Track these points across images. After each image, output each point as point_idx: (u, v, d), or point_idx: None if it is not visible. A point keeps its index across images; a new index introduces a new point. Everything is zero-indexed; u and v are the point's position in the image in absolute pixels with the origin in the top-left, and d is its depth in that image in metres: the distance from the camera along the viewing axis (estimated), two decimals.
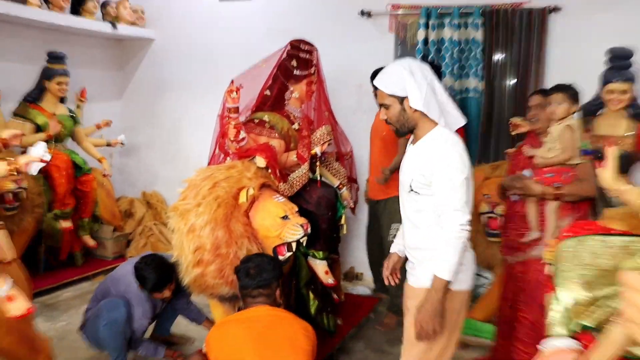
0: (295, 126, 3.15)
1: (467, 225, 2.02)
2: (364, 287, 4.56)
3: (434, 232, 2.09)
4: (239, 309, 2.72)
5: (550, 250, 2.21)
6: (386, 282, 2.40)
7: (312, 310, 3.24)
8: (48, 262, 4.48)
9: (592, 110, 3.28)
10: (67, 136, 4.55)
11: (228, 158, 3.09)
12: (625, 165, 3.09)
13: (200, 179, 2.74)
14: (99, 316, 2.93)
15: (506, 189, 2.91)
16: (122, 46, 5.65)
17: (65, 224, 4.41)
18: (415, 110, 2.08)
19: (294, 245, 2.76)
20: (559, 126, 2.66)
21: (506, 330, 2.93)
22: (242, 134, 2.92)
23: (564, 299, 1.66)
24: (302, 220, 2.76)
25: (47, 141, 4.21)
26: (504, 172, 3.25)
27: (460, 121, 2.18)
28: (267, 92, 3.17)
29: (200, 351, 3.05)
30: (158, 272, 2.93)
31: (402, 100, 2.09)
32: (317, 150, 3.08)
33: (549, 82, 3.86)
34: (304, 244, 2.85)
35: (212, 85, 5.09)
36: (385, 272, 2.37)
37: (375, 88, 2.20)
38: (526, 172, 2.81)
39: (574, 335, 1.68)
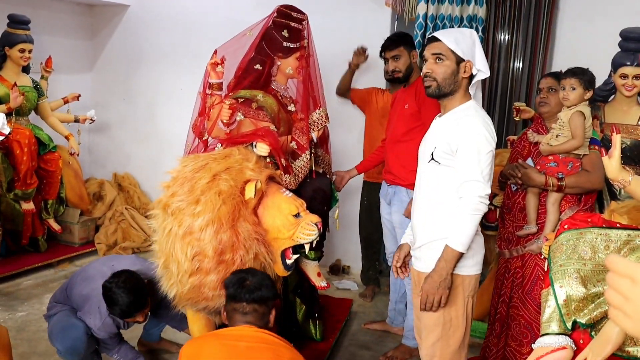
0: (292, 108, 2.92)
1: (486, 199, 2.11)
2: (351, 281, 4.51)
3: (447, 211, 2.17)
4: (219, 327, 2.54)
5: (549, 245, 2.19)
6: (395, 276, 2.52)
7: (300, 316, 3.19)
8: (8, 247, 4.37)
9: (603, 96, 3.24)
10: (30, 109, 4.43)
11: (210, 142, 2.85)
12: (635, 155, 3.07)
13: (191, 171, 2.42)
14: (55, 338, 2.76)
15: (506, 178, 2.86)
16: (94, 12, 5.50)
17: (27, 206, 4.30)
18: (465, 77, 2.19)
19: (307, 247, 2.53)
20: (569, 111, 2.60)
21: (499, 328, 2.92)
22: (239, 116, 2.66)
23: (559, 294, 1.66)
24: (316, 218, 2.51)
25: (7, 114, 4.17)
26: (505, 160, 3.19)
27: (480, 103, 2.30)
28: (258, 66, 2.86)
29: None
30: (130, 297, 2.57)
31: (459, 62, 2.18)
32: (313, 135, 2.91)
33: (557, 66, 3.81)
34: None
35: (192, 58, 5.03)
36: (396, 264, 2.47)
37: (431, 41, 2.24)
38: (528, 161, 2.76)
39: (568, 333, 1.68)
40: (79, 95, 4.89)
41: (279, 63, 2.91)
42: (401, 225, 3.21)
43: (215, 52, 2.74)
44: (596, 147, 2.65)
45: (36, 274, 4.34)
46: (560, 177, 2.61)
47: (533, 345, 1.80)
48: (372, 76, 4.28)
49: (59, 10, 5.14)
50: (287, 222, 2.47)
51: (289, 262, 2.53)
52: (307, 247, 2.53)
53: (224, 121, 2.61)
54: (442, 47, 2.18)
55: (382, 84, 4.23)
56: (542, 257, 2.27)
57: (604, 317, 1.60)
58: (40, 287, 4.15)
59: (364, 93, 4.14)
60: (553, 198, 2.66)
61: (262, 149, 2.61)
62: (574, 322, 1.67)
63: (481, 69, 2.19)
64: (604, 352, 1.49)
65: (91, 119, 4.88)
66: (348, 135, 4.53)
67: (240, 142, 2.66)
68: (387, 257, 3.63)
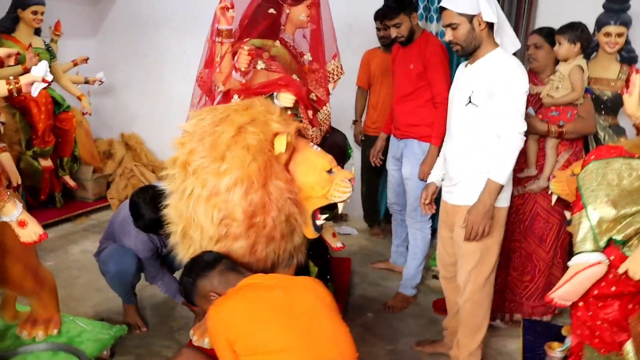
0: (308, 57, 2.65)
1: (523, 135, 2.28)
2: (350, 227, 4.71)
3: (484, 149, 2.33)
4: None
5: (557, 181, 2.38)
6: (424, 212, 2.69)
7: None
8: (27, 203, 4.41)
9: (586, 53, 3.41)
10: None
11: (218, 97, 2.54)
12: (614, 106, 3.28)
13: (210, 124, 2.10)
14: (107, 263, 2.84)
15: None
16: None
17: (45, 163, 4.35)
18: (483, 29, 2.29)
19: (340, 206, 2.28)
20: (568, 65, 2.79)
21: (502, 260, 3.12)
22: (260, 64, 2.40)
23: (592, 216, 1.82)
24: (350, 174, 2.25)
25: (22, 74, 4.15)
26: None
27: (517, 44, 2.41)
28: (272, 10, 2.52)
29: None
30: (156, 214, 2.42)
31: (471, 18, 2.28)
32: (330, 87, 2.73)
33: (541, 23, 3.92)
34: None
35: (193, 21, 5.00)
36: (425, 201, 2.64)
37: (442, 10, 2.34)
38: (530, 110, 2.93)
39: (600, 250, 1.83)
40: (87, 58, 4.90)
41: (287, 11, 2.59)
42: (411, 177, 3.30)
43: None
44: (588, 95, 2.85)
45: (56, 228, 4.43)
46: (560, 124, 2.80)
47: (569, 263, 1.95)
48: (364, 39, 4.35)
49: None
50: (320, 179, 2.19)
51: (319, 222, 2.28)
52: (340, 206, 2.29)
53: (242, 69, 2.34)
54: (452, 14, 2.30)
55: (373, 44, 4.30)
56: (550, 192, 2.44)
57: (637, 234, 1.78)
58: (62, 239, 4.25)
59: (364, 73, 4.27)
60: (552, 143, 2.88)
61: (287, 99, 2.41)
62: (608, 240, 1.84)
63: (490, 20, 2.27)
64: None
65: (100, 81, 4.90)
66: (345, 93, 4.64)
67: (260, 93, 2.40)
68: (389, 206, 3.78)
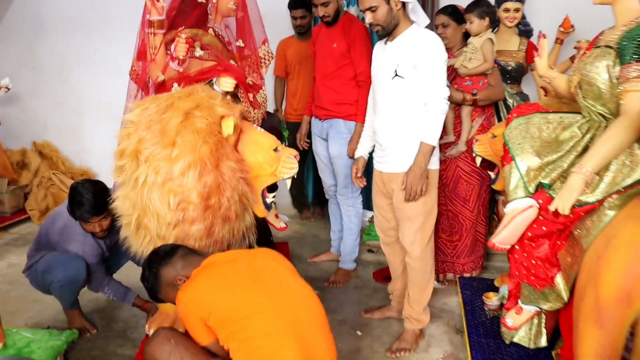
0: (240, 43, 2.69)
1: (447, 100, 2.47)
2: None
3: (412, 117, 2.50)
4: None
5: (480, 144, 2.60)
6: (356, 185, 2.84)
7: None
8: None
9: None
10: None
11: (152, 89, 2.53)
12: (518, 76, 3.60)
13: (155, 112, 2.13)
14: (51, 271, 2.71)
15: None
16: None
17: None
18: (399, 9, 2.45)
19: (288, 182, 2.42)
20: (480, 39, 3.03)
21: None
22: (199, 51, 2.44)
23: (521, 166, 2.03)
24: (294, 151, 2.38)
25: None
26: None
27: (426, 20, 2.56)
28: (201, 0, 2.56)
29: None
30: (95, 198, 2.56)
31: (388, 0, 2.42)
32: (262, 72, 2.78)
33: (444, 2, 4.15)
34: None
35: (102, 21, 4.89)
36: (357, 175, 2.80)
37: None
38: None
39: (530, 196, 2.04)
40: None
41: (214, 0, 2.64)
42: (339, 156, 3.35)
43: None
44: (496, 66, 3.12)
45: None
46: (474, 93, 3.04)
47: (504, 210, 2.15)
48: (278, 29, 4.34)
49: None
50: (269, 157, 2.30)
51: (268, 201, 2.39)
52: (288, 182, 2.42)
53: (181, 57, 2.37)
54: None
55: (287, 33, 4.38)
56: (474, 154, 2.64)
57: (560, 177, 2.00)
58: None
59: (280, 63, 4.34)
60: (466, 110, 3.11)
61: (227, 83, 2.46)
62: (537, 186, 2.05)
63: None
64: (572, 198, 1.89)
65: (7, 87, 4.64)
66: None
67: (200, 79, 2.44)
68: (326, 190, 3.74)
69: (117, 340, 2.83)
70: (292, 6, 4.13)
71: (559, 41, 3.71)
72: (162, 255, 2.05)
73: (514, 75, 3.57)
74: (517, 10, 3.51)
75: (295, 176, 3.04)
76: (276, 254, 2.11)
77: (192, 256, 2.05)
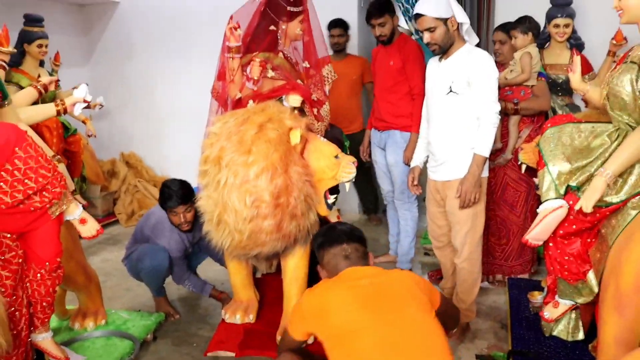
0: (306, 64, 2.98)
1: (499, 114, 2.68)
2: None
3: (466, 130, 2.71)
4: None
5: (525, 152, 2.83)
6: (412, 192, 3.09)
7: None
8: None
9: (541, 43, 3.91)
10: (51, 98, 4.73)
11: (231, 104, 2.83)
12: (569, 88, 3.76)
13: (234, 125, 2.49)
14: (141, 259, 3.18)
15: None
16: (86, 11, 5.84)
17: None
18: (455, 29, 2.67)
19: (347, 185, 2.74)
20: (520, 52, 3.25)
21: None
22: (271, 72, 2.78)
23: (552, 171, 2.26)
24: (352, 158, 2.72)
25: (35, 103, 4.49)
26: None
27: (476, 39, 2.81)
28: (272, 27, 2.89)
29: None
30: (182, 187, 3.11)
31: (446, 21, 2.65)
32: (325, 89, 3.08)
33: (499, 19, 4.36)
34: None
35: (184, 42, 5.45)
36: (413, 182, 3.04)
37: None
38: None
39: (561, 197, 2.27)
40: (87, 84, 5.19)
41: (284, 27, 2.92)
42: (396, 164, 3.70)
43: (231, 17, 2.75)
44: (543, 79, 3.33)
45: None
46: (515, 102, 3.27)
47: (538, 210, 2.36)
48: None
49: (52, 11, 5.38)
50: (330, 163, 2.63)
51: (329, 201, 2.73)
52: (347, 185, 2.75)
53: (255, 78, 2.73)
54: (428, 19, 2.64)
55: None
56: (519, 162, 2.86)
57: (587, 180, 2.21)
58: None
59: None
60: (513, 120, 3.35)
61: (295, 100, 2.78)
62: (566, 188, 2.27)
63: (462, 21, 2.69)
64: (594, 198, 2.11)
65: (101, 105, 5.20)
66: None
67: (271, 97, 2.76)
68: (384, 197, 4.07)
69: (198, 323, 3.25)
70: (330, 26, 4.55)
71: (611, 53, 3.83)
72: (334, 236, 2.13)
73: (565, 87, 3.73)
74: (567, 25, 3.67)
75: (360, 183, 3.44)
76: (406, 277, 2.02)
77: (342, 261, 2.07)
